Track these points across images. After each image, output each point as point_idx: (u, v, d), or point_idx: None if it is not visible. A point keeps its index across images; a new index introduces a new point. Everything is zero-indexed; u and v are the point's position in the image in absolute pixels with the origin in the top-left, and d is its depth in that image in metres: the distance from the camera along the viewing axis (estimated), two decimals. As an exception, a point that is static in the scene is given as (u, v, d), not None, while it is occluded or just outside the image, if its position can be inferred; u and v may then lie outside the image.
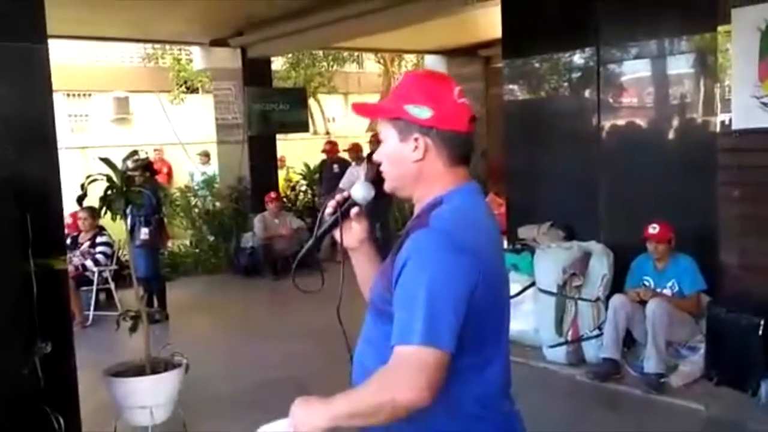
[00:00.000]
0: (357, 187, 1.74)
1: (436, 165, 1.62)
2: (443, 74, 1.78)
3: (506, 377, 1.65)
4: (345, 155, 10.44)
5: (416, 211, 1.67)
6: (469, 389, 1.56)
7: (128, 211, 4.25)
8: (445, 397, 1.50)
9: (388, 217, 9.40)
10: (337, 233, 1.76)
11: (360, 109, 1.76)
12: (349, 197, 1.74)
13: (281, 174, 12.47)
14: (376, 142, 10.21)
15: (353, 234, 1.79)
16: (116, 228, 6.27)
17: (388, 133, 1.64)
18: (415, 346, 1.43)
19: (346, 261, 1.79)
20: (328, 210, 1.75)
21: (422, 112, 1.59)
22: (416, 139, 1.60)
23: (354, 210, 1.75)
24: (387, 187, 1.69)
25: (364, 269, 1.83)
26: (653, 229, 5.02)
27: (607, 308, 5.11)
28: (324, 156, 10.65)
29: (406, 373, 1.44)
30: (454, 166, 1.63)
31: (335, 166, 10.24)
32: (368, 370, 1.56)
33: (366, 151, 10.15)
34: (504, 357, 1.65)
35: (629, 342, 5.13)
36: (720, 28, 4.86)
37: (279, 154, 11.67)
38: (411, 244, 1.53)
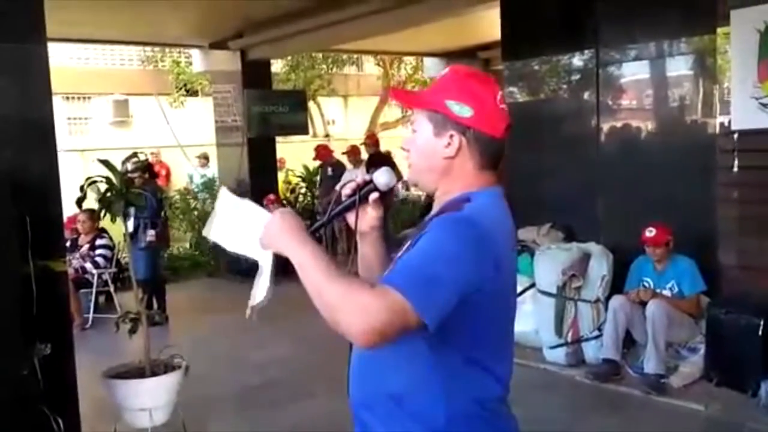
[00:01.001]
0: (381, 172, 1.68)
1: (466, 165, 1.60)
2: (489, 76, 1.73)
3: (507, 383, 1.64)
4: (343, 158, 10.47)
5: (437, 206, 1.64)
6: (471, 389, 1.55)
7: (131, 213, 4.25)
8: (445, 394, 1.50)
9: (387, 218, 9.40)
10: (351, 216, 1.69)
11: (399, 95, 1.74)
12: (370, 181, 1.67)
13: (280, 176, 12.47)
14: (371, 144, 10.26)
15: (367, 219, 1.72)
16: (118, 230, 6.28)
17: (422, 123, 1.61)
18: (404, 298, 1.38)
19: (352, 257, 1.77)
20: (347, 191, 1.68)
21: (463, 110, 1.57)
22: (451, 136, 1.58)
23: (373, 195, 1.68)
24: (410, 177, 1.68)
25: (369, 256, 1.77)
26: (650, 232, 5.02)
27: (606, 309, 5.11)
28: (316, 161, 10.68)
29: (376, 312, 1.37)
30: (483, 169, 1.61)
31: (329, 169, 10.30)
32: (371, 356, 1.55)
33: (363, 153, 10.17)
34: (508, 362, 1.64)
35: (629, 343, 5.14)
36: (719, 30, 4.86)
37: (278, 157, 11.67)
38: (436, 223, 1.51)
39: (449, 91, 1.59)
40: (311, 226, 1.68)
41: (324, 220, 1.72)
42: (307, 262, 1.49)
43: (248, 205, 1.75)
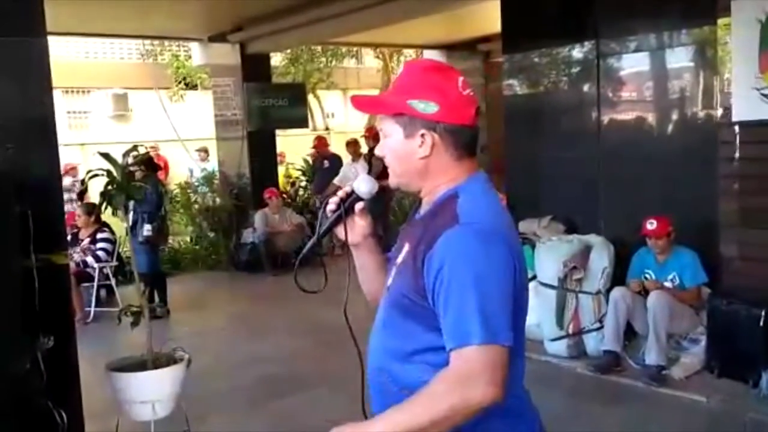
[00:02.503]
0: (360, 181, 1.67)
1: (444, 159, 1.58)
2: (446, 65, 1.71)
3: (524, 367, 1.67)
4: (342, 150, 10.46)
5: (426, 205, 1.64)
6: (514, 375, 1.55)
7: (130, 206, 4.25)
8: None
9: (388, 212, 9.41)
10: (340, 230, 1.69)
11: (360, 103, 1.68)
12: (352, 192, 1.66)
13: (281, 170, 12.47)
14: (370, 137, 10.25)
15: (357, 230, 1.71)
16: (119, 223, 6.28)
17: (391, 128, 1.59)
18: (476, 346, 1.41)
19: (351, 258, 1.76)
20: (331, 207, 1.67)
21: (428, 107, 1.54)
22: (422, 135, 1.55)
23: (359, 205, 1.67)
24: (392, 182, 1.64)
25: (368, 266, 1.77)
26: (651, 224, 5.03)
27: (607, 301, 5.12)
28: (314, 152, 10.66)
29: (474, 373, 1.41)
30: (461, 158, 1.59)
31: (325, 162, 10.28)
32: (392, 352, 1.58)
33: (363, 147, 10.16)
34: (523, 346, 1.66)
35: (630, 335, 5.14)
36: (720, 21, 4.85)
37: (278, 151, 11.66)
38: (445, 245, 1.47)
39: (411, 90, 1.56)
40: (313, 220, 1.68)
41: (312, 242, 1.70)
42: (402, 424, 1.44)
43: None
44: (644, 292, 4.99)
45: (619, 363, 5.00)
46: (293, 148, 13.57)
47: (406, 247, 1.59)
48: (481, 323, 1.41)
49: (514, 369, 1.53)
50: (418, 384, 1.49)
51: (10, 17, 3.39)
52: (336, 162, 10.24)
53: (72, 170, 10.41)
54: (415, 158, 1.57)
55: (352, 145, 10.11)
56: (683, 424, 4.24)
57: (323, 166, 10.32)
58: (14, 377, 3.13)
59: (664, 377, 4.73)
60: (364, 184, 1.66)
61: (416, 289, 1.52)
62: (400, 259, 1.61)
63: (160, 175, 13.28)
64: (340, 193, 1.67)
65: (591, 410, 4.49)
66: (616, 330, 4.98)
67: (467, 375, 1.41)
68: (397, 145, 1.59)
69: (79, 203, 8.78)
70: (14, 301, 3.15)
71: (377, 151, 1.65)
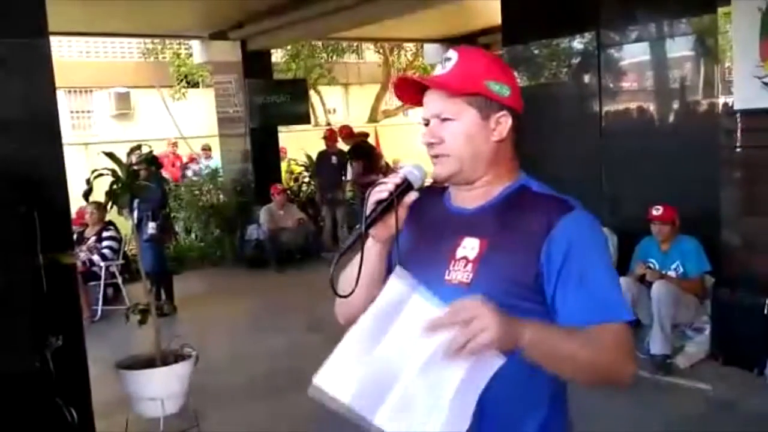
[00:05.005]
0: (413, 168, 1.51)
1: (509, 146, 1.55)
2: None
3: None
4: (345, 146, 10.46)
5: (486, 194, 1.55)
6: None
7: (135, 205, 4.27)
8: None
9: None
10: (387, 220, 1.48)
11: (408, 86, 1.55)
12: (404, 180, 1.49)
13: (283, 166, 12.47)
14: (345, 136, 10.23)
15: (388, 227, 1.50)
16: (124, 222, 6.31)
17: (461, 109, 1.49)
18: (625, 322, 1.42)
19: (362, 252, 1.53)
20: (382, 195, 1.47)
21: (503, 90, 1.51)
22: (501, 117, 1.51)
23: (411, 195, 1.49)
24: (446, 169, 1.52)
25: (371, 270, 1.54)
26: (657, 210, 5.04)
27: (612, 291, 5.12)
28: (323, 146, 10.57)
29: (630, 347, 1.44)
30: (516, 148, 1.56)
31: (333, 158, 10.19)
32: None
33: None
34: None
35: (635, 324, 5.15)
36: (720, 9, 4.85)
37: (280, 146, 11.67)
38: (569, 228, 1.44)
39: (486, 71, 1.51)
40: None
41: (359, 231, 1.46)
42: (561, 344, 1.36)
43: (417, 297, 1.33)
44: (647, 283, 4.99)
45: (625, 353, 5.01)
46: (294, 143, 13.57)
47: (475, 241, 1.49)
48: (624, 301, 1.46)
49: None
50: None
51: (13, 18, 3.41)
52: (342, 159, 10.15)
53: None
54: (490, 141, 1.52)
55: (330, 137, 10.13)
56: (689, 412, 4.25)
57: (330, 162, 10.19)
58: (24, 376, 3.16)
59: (669, 366, 4.75)
60: (416, 172, 1.51)
61: (522, 281, 1.44)
62: (473, 255, 1.48)
63: (177, 173, 13.32)
64: (393, 181, 1.49)
65: (595, 400, 4.48)
66: (621, 320, 4.99)
67: (627, 346, 1.43)
68: (470, 128, 1.50)
69: (87, 202, 8.79)
70: (23, 301, 3.18)
71: (430, 137, 1.51)
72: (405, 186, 1.48)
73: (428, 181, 1.60)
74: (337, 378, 1.32)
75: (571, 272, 1.42)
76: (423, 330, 1.25)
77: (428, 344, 1.25)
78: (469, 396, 1.26)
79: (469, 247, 1.49)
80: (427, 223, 1.57)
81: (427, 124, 1.53)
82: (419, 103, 1.56)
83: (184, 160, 14.26)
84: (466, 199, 1.56)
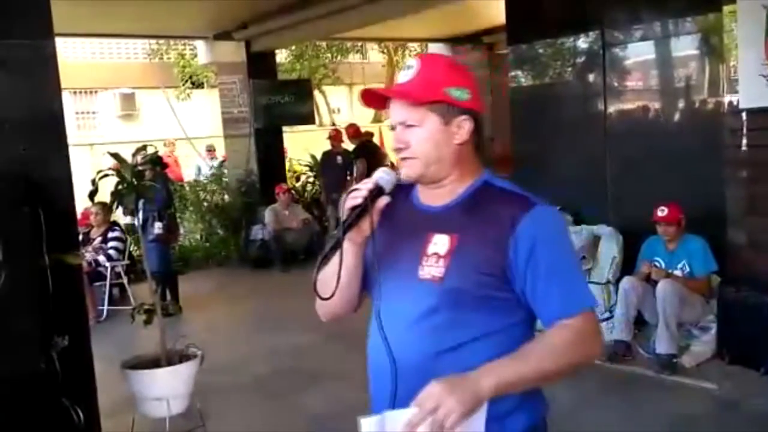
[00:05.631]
0: (383, 173, 1.63)
1: (471, 147, 1.64)
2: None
3: None
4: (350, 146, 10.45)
5: (446, 195, 1.63)
6: None
7: (140, 205, 4.28)
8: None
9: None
10: (362, 224, 1.61)
11: (372, 96, 1.66)
12: (377, 186, 1.61)
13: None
14: (352, 135, 10.24)
15: (364, 228, 1.62)
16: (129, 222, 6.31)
17: (424, 116, 1.58)
18: (589, 309, 1.56)
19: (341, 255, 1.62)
20: (356, 201, 1.59)
21: (463, 95, 1.59)
22: (462, 121, 1.59)
23: (383, 200, 1.61)
24: (414, 172, 1.61)
25: (357, 270, 1.68)
26: (662, 211, 5.02)
27: (617, 291, 5.12)
28: (327, 146, 10.56)
29: (592, 332, 1.57)
30: (478, 148, 1.65)
31: (338, 158, 10.17)
32: (450, 341, 1.54)
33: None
34: None
35: (640, 323, 5.15)
36: (725, 8, 4.84)
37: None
38: (533, 223, 1.53)
39: (445, 78, 1.60)
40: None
41: (337, 237, 1.59)
42: (522, 372, 1.47)
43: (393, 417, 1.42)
44: (652, 283, 4.98)
45: (630, 352, 5.01)
46: (295, 143, 13.57)
47: (444, 237, 1.58)
48: (587, 289, 1.59)
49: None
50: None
51: (19, 20, 3.42)
52: (348, 159, 10.13)
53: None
54: (453, 144, 1.60)
55: (336, 137, 10.13)
56: (695, 411, 4.25)
57: (336, 162, 10.15)
58: (30, 376, 3.17)
59: (675, 365, 4.74)
60: (387, 176, 1.63)
61: (492, 273, 1.54)
62: (443, 250, 1.57)
63: (176, 173, 13.34)
64: (366, 187, 1.61)
65: (602, 399, 4.50)
66: (627, 319, 4.99)
67: (589, 333, 1.55)
68: (433, 133, 1.59)
69: (93, 203, 8.78)
70: (29, 302, 3.19)
71: (405, 138, 1.60)
72: (377, 191, 1.60)
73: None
74: None
75: (538, 267, 1.53)
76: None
77: None
78: None
79: (440, 243, 1.58)
80: (397, 223, 1.66)
81: (393, 129, 1.63)
82: (385, 107, 1.65)
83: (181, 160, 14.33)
84: (433, 197, 1.65)
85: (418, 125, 1.59)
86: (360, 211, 1.59)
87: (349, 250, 1.62)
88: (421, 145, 1.59)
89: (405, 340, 1.58)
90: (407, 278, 1.59)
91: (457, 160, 1.62)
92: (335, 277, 1.58)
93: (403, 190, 1.68)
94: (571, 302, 1.54)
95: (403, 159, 1.61)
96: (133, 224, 6.90)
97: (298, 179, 12.28)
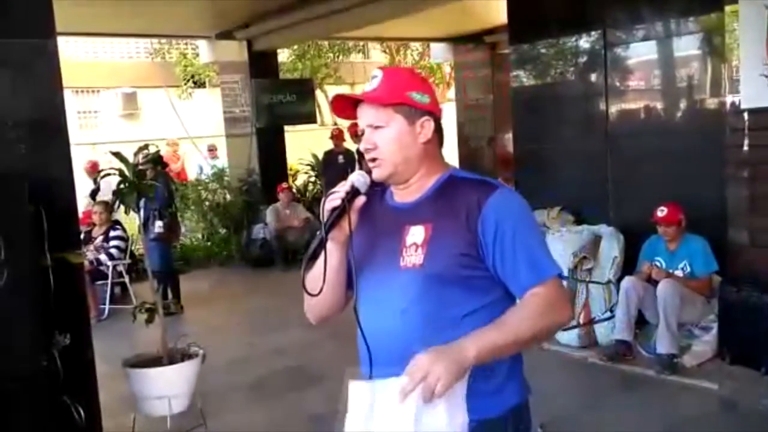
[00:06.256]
0: (357, 176, 1.75)
1: (434, 145, 1.78)
2: None
3: None
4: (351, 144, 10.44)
5: (415, 191, 1.78)
6: None
7: (142, 204, 4.29)
8: None
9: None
10: (342, 224, 1.73)
11: (344, 104, 1.80)
12: (353, 188, 1.73)
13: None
14: (354, 134, 10.21)
15: (344, 229, 1.75)
16: (131, 221, 6.31)
17: (390, 118, 1.73)
18: (554, 276, 1.68)
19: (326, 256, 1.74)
20: (335, 203, 1.71)
21: (423, 98, 1.75)
22: (424, 122, 1.74)
23: (359, 200, 1.74)
24: (383, 172, 1.74)
25: (342, 267, 1.80)
26: (661, 212, 5.02)
27: (618, 290, 5.12)
28: (330, 144, 10.54)
29: (560, 298, 1.69)
30: (440, 147, 1.81)
31: (340, 157, 10.16)
32: (435, 322, 1.66)
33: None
34: None
35: (641, 323, 5.15)
36: (727, 8, 4.83)
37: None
38: (497, 204, 1.67)
39: (407, 84, 1.76)
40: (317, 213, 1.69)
41: (319, 237, 1.72)
42: (501, 339, 1.58)
43: (384, 385, 1.52)
44: (653, 282, 4.98)
45: (631, 352, 5.01)
46: (301, 143, 13.55)
47: (420, 228, 1.72)
48: (551, 259, 1.70)
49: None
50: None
51: (21, 19, 3.42)
52: (350, 158, 10.11)
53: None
54: (418, 144, 1.74)
55: (338, 136, 10.14)
56: (695, 411, 4.25)
57: (337, 161, 10.15)
58: (32, 375, 3.18)
59: (676, 365, 4.74)
60: (361, 179, 1.75)
61: (468, 253, 1.67)
62: (420, 239, 1.71)
63: (181, 174, 13.32)
64: (343, 189, 1.74)
65: (603, 399, 4.50)
66: (628, 319, 4.99)
67: (557, 299, 1.67)
68: (399, 134, 1.73)
69: (92, 201, 8.84)
70: (30, 300, 3.20)
71: (373, 140, 1.74)
72: (353, 192, 1.73)
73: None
74: None
75: (504, 242, 1.66)
76: (399, 398, 1.46)
77: (408, 409, 1.45)
78: (457, 400, 1.50)
79: (417, 233, 1.72)
80: (375, 221, 1.81)
81: (362, 134, 1.77)
82: (354, 117, 1.79)
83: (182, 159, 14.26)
84: (405, 195, 1.80)
85: (385, 125, 1.73)
86: (339, 212, 1.71)
87: (333, 250, 1.75)
88: (388, 146, 1.73)
89: (393, 327, 1.70)
90: (390, 269, 1.72)
91: (423, 157, 1.76)
92: (321, 276, 1.72)
93: (378, 191, 1.83)
94: (538, 271, 1.66)
95: (373, 160, 1.75)
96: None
97: (294, 177, 12.25)
